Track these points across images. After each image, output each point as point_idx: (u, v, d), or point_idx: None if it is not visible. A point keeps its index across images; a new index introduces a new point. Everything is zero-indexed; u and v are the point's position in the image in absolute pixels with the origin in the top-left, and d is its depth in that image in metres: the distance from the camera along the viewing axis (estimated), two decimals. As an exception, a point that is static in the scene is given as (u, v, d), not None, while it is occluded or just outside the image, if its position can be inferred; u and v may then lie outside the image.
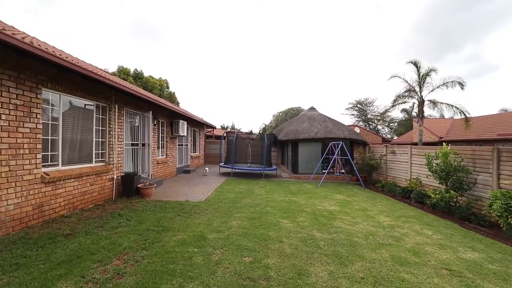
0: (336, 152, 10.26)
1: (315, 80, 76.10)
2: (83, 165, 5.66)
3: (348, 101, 63.44)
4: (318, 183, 10.26)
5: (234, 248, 3.68)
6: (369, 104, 41.48)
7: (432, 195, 6.50)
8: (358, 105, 41.96)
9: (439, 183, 6.67)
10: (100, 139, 6.25)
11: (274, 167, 12.90)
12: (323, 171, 11.09)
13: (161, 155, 10.06)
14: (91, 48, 50.09)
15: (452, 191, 6.12)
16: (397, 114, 50.79)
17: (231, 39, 75.00)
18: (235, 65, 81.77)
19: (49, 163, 4.84)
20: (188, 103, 74.51)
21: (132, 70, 23.65)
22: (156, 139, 9.33)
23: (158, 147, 9.82)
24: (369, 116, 41.50)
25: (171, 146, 10.89)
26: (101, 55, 52.07)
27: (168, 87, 26.83)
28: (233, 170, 12.04)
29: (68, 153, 5.32)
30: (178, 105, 22.92)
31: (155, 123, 9.13)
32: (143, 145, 7.96)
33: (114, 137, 6.51)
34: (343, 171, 10.56)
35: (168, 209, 5.60)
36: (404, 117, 38.77)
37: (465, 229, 5.22)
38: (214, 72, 78.51)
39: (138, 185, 6.77)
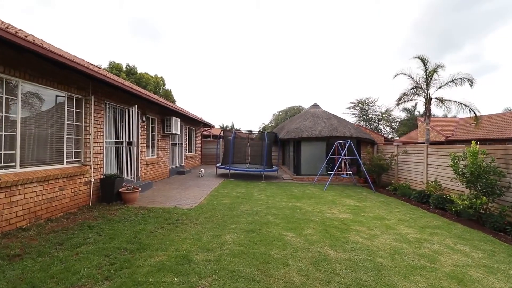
0: (343, 152, 9.39)
1: (315, 79, 75.28)
2: (51, 167, 4.78)
3: (349, 100, 62.68)
4: (323, 186, 9.40)
5: (226, 276, 2.81)
6: (371, 103, 40.66)
7: (458, 201, 5.64)
8: (360, 105, 41.13)
9: (466, 187, 5.82)
10: (74, 136, 5.38)
11: (274, 168, 12.03)
12: (328, 172, 10.24)
13: (151, 155, 9.19)
14: (89, 47, 49.13)
15: (483, 197, 5.26)
16: (398, 113, 49.94)
17: (230, 38, 74.16)
18: (234, 64, 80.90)
19: (3, 164, 3.96)
20: (187, 103, 73.54)
21: (124, 66, 22.70)
22: (145, 137, 8.46)
23: (148, 146, 8.95)
24: (370, 115, 40.66)
25: (163, 145, 10.02)
26: (100, 54, 51.15)
27: (164, 85, 25.85)
28: (231, 171, 11.17)
29: (31, 152, 4.45)
30: (174, 103, 22.00)
31: (143, 119, 8.26)
32: (129, 143, 7.08)
33: (91, 134, 5.63)
34: (350, 172, 9.70)
35: (151, 219, 4.72)
36: (407, 116, 37.99)
37: (505, 243, 4.36)
38: (214, 72, 77.61)
39: (120, 189, 5.90)
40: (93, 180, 5.70)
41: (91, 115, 5.63)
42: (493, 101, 65.07)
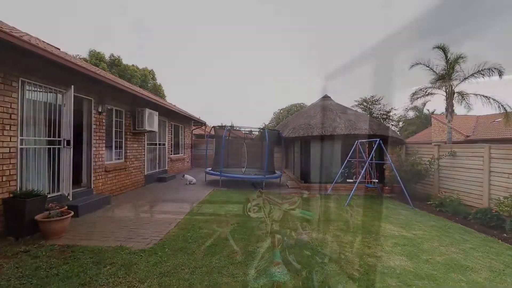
0: (371, 155, 7.21)
1: (317, 77, 73.19)
2: None
3: (352, 98, 60.53)
4: (340, 197, 7.24)
5: None
6: (375, 102, 38.49)
7: None
8: (364, 103, 38.97)
9: None
10: None
11: (277, 173, 9.83)
12: (348, 180, 8.08)
13: (116, 158, 7.00)
14: (88, 45, 46.91)
15: None
16: (403, 112, 47.65)
17: (229, 36, 72.04)
18: (234, 64, 78.82)
19: None
20: (185, 102, 71.26)
21: (108, 56, 20.35)
22: (103, 134, 6.26)
23: (111, 147, 6.77)
24: (374, 115, 38.47)
25: (135, 145, 7.83)
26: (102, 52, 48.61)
27: (154, 79, 23.51)
28: (223, 178, 8.98)
29: None
30: (163, 99, 19.78)
31: (100, 110, 6.07)
32: (69, 143, 4.90)
33: (-19, 128, 3.46)
34: (376, 180, 7.53)
35: (54, 284, 2.54)
36: (415, 114, 35.83)
37: None
38: (213, 71, 75.49)
39: (36, 216, 3.71)
40: (-12, 202, 3.52)
41: (-18, 97, 3.46)
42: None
